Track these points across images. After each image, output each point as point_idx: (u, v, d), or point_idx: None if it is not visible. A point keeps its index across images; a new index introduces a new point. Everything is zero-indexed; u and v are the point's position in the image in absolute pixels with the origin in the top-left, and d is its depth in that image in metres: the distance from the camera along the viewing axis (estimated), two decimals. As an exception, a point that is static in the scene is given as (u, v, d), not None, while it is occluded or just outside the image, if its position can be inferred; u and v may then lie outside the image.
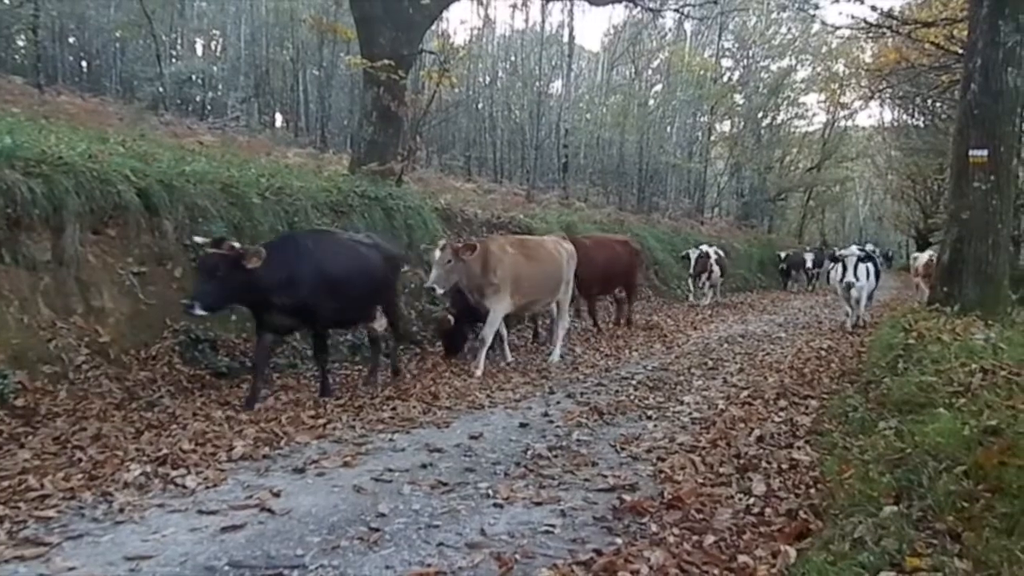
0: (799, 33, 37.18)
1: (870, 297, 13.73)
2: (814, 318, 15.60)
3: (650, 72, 35.50)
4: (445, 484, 4.42)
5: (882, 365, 7.09)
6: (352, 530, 3.70)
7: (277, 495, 4.14)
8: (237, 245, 5.88)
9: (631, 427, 5.96)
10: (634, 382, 7.88)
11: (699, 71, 33.74)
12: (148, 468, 4.42)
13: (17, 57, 22.48)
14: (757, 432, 5.61)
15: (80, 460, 4.54)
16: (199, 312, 5.71)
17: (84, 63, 26.35)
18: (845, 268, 12.08)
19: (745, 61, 38.16)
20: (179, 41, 28.09)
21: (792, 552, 3.29)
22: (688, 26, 33.52)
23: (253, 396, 6.14)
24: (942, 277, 9.64)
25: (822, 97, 40.29)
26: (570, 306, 10.25)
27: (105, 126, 11.53)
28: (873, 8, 16.55)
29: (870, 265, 12.66)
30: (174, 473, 4.39)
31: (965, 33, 10.89)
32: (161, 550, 3.42)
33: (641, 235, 19.41)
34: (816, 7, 38.74)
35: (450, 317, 8.56)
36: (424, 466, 4.76)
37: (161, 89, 21.48)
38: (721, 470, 4.71)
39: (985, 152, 8.97)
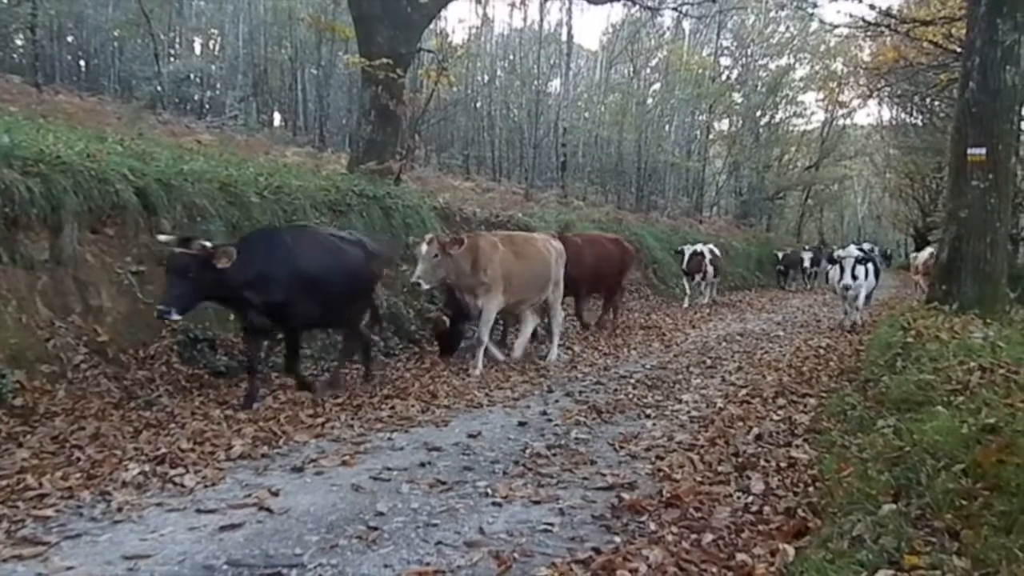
0: (797, 32, 37.18)
1: (868, 297, 13.71)
2: (812, 317, 15.61)
3: (648, 71, 35.48)
4: (444, 483, 4.42)
5: (880, 363, 7.09)
6: (351, 529, 3.70)
7: (275, 494, 4.14)
8: (207, 244, 5.70)
9: (630, 426, 5.96)
10: (633, 381, 7.88)
11: (697, 70, 33.71)
12: (146, 467, 4.43)
13: (15, 56, 22.44)
14: (756, 430, 5.62)
15: (78, 459, 4.54)
16: (175, 317, 5.57)
17: (82, 62, 26.30)
18: (843, 269, 12.03)
19: (743, 60, 38.15)
20: (177, 40, 28.04)
21: (790, 550, 3.29)
22: (686, 25, 33.51)
23: (250, 395, 6.13)
24: (940, 275, 9.64)
25: (820, 96, 40.43)
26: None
27: (103, 125, 11.51)
28: (871, 6, 16.60)
29: (869, 265, 12.62)
30: (172, 472, 4.40)
31: (963, 31, 10.89)
32: (159, 549, 3.42)
33: (640, 234, 19.43)
34: (814, 5, 38.87)
35: (444, 318, 8.48)
36: (423, 465, 4.77)
37: (159, 88, 21.44)
38: (720, 468, 4.72)
39: (983, 150, 8.97)
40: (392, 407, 6.32)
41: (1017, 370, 5.21)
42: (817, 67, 38.86)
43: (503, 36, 33.54)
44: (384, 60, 11.33)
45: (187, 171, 7.79)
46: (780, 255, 25.56)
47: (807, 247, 29.43)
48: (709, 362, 9.24)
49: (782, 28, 37.60)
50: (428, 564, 3.34)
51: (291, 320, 6.32)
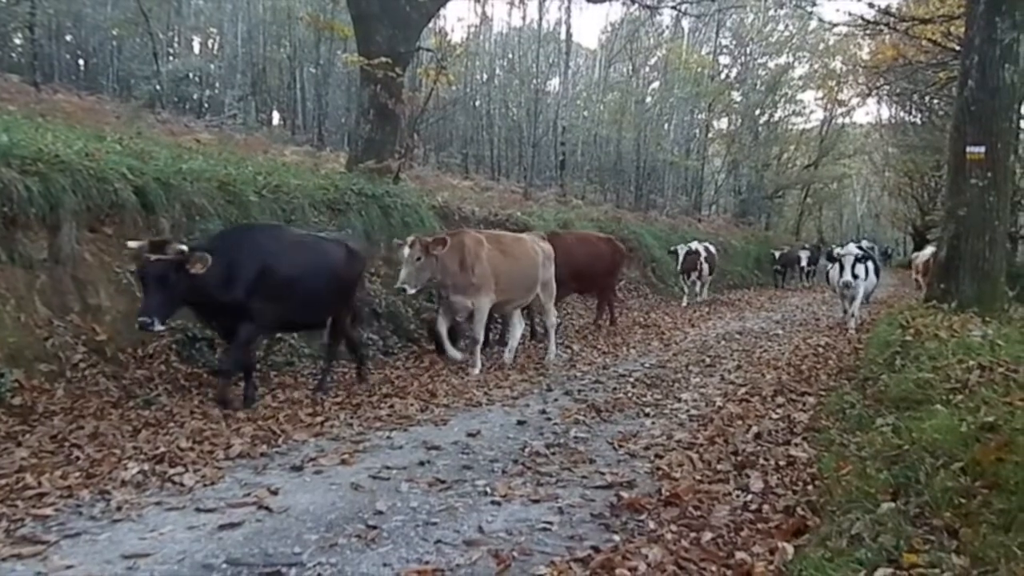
0: (796, 30, 37.14)
1: (867, 296, 13.62)
2: (811, 315, 15.61)
3: (647, 69, 35.44)
4: (443, 482, 4.42)
5: (879, 362, 7.09)
6: (350, 528, 3.70)
7: (275, 493, 4.14)
8: (183, 248, 5.52)
9: (629, 424, 5.96)
10: (632, 379, 7.88)
11: (696, 68, 33.71)
12: (146, 466, 4.42)
13: (14, 55, 22.40)
14: (755, 429, 5.63)
15: (77, 458, 4.54)
16: (159, 328, 5.37)
17: (81, 61, 26.27)
18: (843, 267, 11.89)
19: (742, 58, 38.12)
20: (176, 39, 28.00)
21: (789, 549, 3.30)
22: (685, 23, 33.49)
23: (249, 395, 6.10)
24: (939, 274, 9.65)
25: (819, 94, 40.43)
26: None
27: (102, 124, 11.50)
28: (870, 5, 16.64)
29: (868, 263, 12.54)
30: (171, 471, 4.39)
31: (962, 30, 10.89)
32: (159, 548, 3.42)
33: (639, 232, 19.43)
34: (813, 4, 38.94)
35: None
36: (422, 464, 4.77)
37: (158, 87, 21.42)
38: (719, 467, 4.73)
39: (982, 149, 8.98)
40: (391, 406, 6.32)
41: (1016, 368, 5.22)
42: (816, 66, 38.85)
43: (502, 35, 33.53)
44: (383, 59, 11.32)
45: (186, 170, 7.78)
46: (777, 254, 25.39)
47: (806, 246, 29.41)
48: (708, 361, 9.25)
49: (781, 27, 37.59)
50: (427, 563, 3.34)
51: (255, 321, 5.97)
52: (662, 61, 34.11)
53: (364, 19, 12.16)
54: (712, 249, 18.05)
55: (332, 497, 4.13)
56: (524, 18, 35.08)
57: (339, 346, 7.30)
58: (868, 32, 21.68)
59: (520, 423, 5.94)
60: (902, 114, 38.39)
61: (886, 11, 17.52)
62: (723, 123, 40.61)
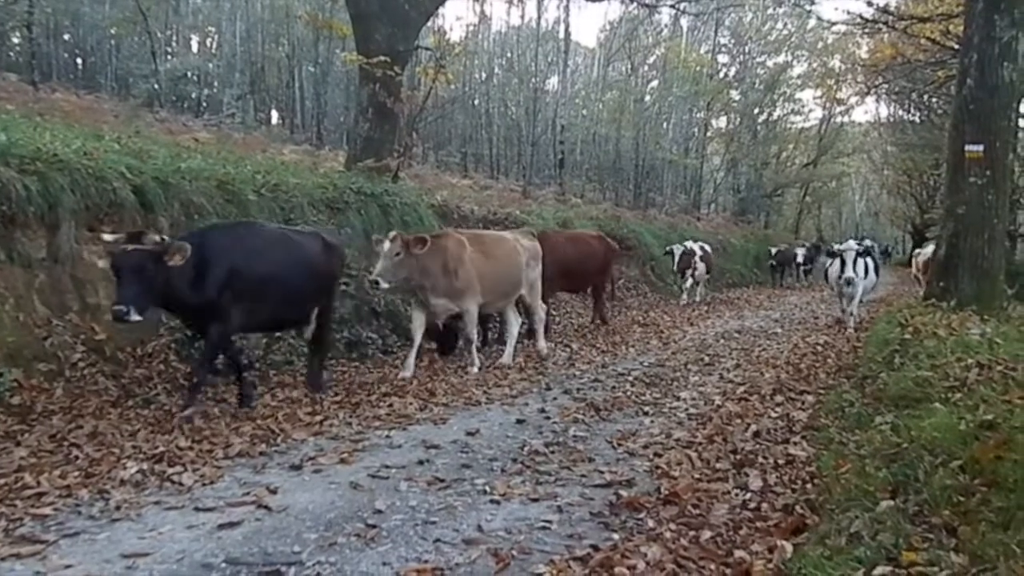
0: (795, 29, 37.13)
1: (863, 296, 13.52)
2: (810, 314, 15.62)
3: (646, 68, 35.41)
4: (442, 480, 4.42)
5: (878, 360, 7.10)
6: (349, 527, 3.70)
7: (274, 492, 4.14)
8: (163, 238, 5.35)
9: (628, 423, 5.96)
10: (631, 378, 7.88)
11: (695, 67, 33.74)
12: (144, 465, 4.42)
13: (12, 54, 22.34)
14: (753, 428, 5.63)
15: (76, 458, 4.53)
16: (135, 318, 5.08)
17: (79, 60, 26.21)
18: (844, 263, 11.74)
19: (741, 57, 38.13)
20: (174, 38, 27.93)
21: (788, 547, 3.30)
22: (684, 22, 33.51)
23: (247, 395, 6.04)
24: (938, 272, 9.66)
25: (818, 93, 40.39)
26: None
27: (100, 123, 11.49)
28: (869, 3, 16.63)
29: (868, 260, 12.45)
30: (171, 471, 4.39)
31: (961, 28, 10.90)
32: (158, 547, 3.42)
33: (638, 231, 19.44)
34: (812, 3, 39.04)
35: (438, 320, 8.22)
36: (421, 462, 4.77)
37: (156, 86, 21.39)
38: (718, 466, 4.73)
39: (981, 147, 8.99)
40: (390, 405, 6.32)
41: (1015, 366, 5.23)
42: (815, 64, 38.84)
43: (501, 33, 33.48)
44: (382, 58, 11.31)
45: (184, 169, 7.78)
46: (773, 251, 25.33)
47: (806, 244, 29.41)
48: (707, 359, 9.25)
49: (780, 25, 37.60)
50: (426, 562, 3.34)
51: (227, 323, 5.76)
52: (661, 60, 34.12)
53: (363, 18, 12.16)
54: (708, 248, 17.98)
55: (331, 496, 4.13)
56: (523, 17, 35.04)
57: (329, 342, 7.21)
58: (867, 30, 21.67)
59: (519, 422, 5.94)
60: (901, 112, 38.42)
61: (885, 9, 17.52)
62: (722, 122, 40.69)
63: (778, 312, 16.08)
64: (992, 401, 4.35)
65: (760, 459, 4.81)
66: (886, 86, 27.93)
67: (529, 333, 10.71)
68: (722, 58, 38.30)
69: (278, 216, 8.44)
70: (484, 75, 31.27)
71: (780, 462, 4.75)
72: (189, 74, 25.34)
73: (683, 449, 5.10)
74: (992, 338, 6.32)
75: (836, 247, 12.79)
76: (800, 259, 25.39)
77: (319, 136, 24.26)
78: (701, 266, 17.05)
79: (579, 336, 11.13)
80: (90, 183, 6.56)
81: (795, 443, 5.21)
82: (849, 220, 65.83)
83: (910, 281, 19.79)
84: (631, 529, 3.74)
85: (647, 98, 33.91)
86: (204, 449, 4.85)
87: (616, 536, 3.63)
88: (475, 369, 7.92)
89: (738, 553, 3.36)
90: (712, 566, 3.27)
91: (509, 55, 32.09)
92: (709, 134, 38.43)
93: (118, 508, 3.83)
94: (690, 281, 17.03)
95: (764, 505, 3.99)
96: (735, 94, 37.91)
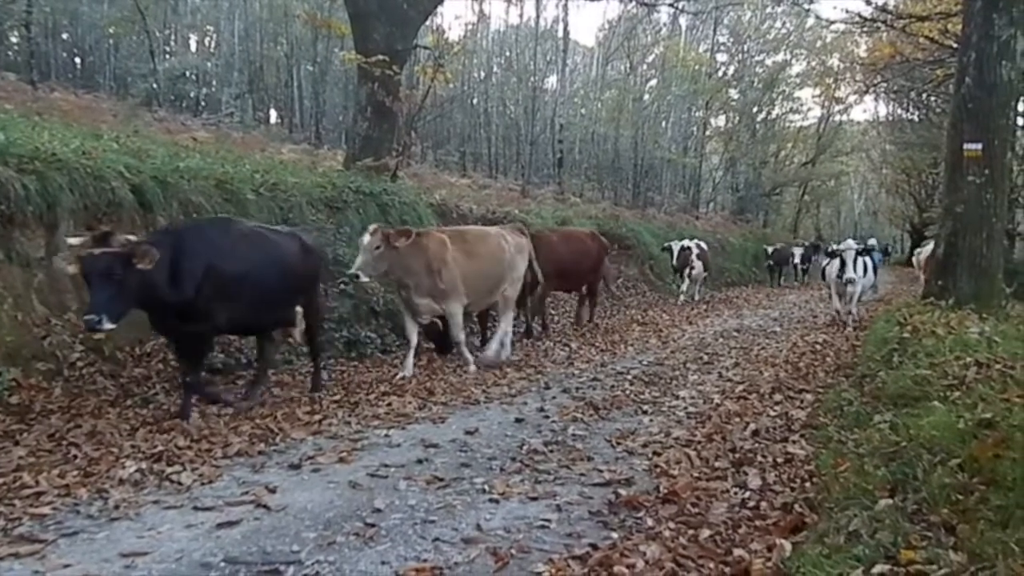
0: (794, 28, 37.18)
1: (863, 295, 13.47)
2: (809, 313, 15.62)
3: (645, 67, 35.39)
4: (441, 479, 4.42)
5: (877, 359, 7.10)
6: (348, 526, 3.70)
7: (273, 491, 4.14)
8: (131, 238, 5.11)
9: (627, 422, 5.96)
10: (630, 377, 7.88)
11: (694, 66, 33.74)
12: (143, 465, 4.42)
13: (10, 53, 22.29)
14: (752, 426, 5.63)
15: (75, 457, 4.54)
16: (108, 326, 4.85)
17: (77, 59, 26.18)
18: (844, 263, 11.67)
19: (740, 56, 38.16)
20: (172, 37, 27.89)
21: (787, 545, 3.30)
22: (683, 21, 33.56)
23: (184, 408, 5.53)
24: (936, 271, 9.67)
25: (817, 92, 40.45)
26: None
27: (99, 122, 11.48)
28: (868, 2, 16.63)
29: (867, 260, 12.40)
30: (169, 470, 4.39)
31: (959, 27, 10.90)
32: (156, 547, 3.42)
33: (636, 230, 19.45)
34: (811, 1, 38.95)
35: (436, 320, 8.17)
36: (420, 461, 4.77)
37: (155, 85, 21.36)
38: (716, 464, 4.73)
39: (979, 146, 8.99)
40: (389, 404, 6.31)
41: (1013, 365, 5.24)
42: (813, 63, 38.85)
43: (499, 32, 33.46)
44: (380, 57, 11.31)
45: (183, 168, 7.78)
46: (770, 250, 25.22)
47: (805, 243, 29.41)
48: (706, 358, 9.25)
49: (778, 24, 37.63)
50: (425, 561, 3.34)
51: (208, 324, 5.60)
52: (659, 59, 34.12)
53: (361, 17, 12.15)
54: (704, 246, 17.95)
55: (330, 495, 4.13)
56: (521, 16, 35.02)
57: (323, 342, 7.13)
58: (865, 29, 21.67)
59: (518, 421, 5.93)
60: (899, 111, 38.39)
61: (883, 8, 17.53)
62: (720, 120, 40.72)
63: (777, 311, 16.08)
64: (991, 399, 4.35)
65: (759, 458, 4.81)
66: (885, 85, 27.94)
67: (528, 332, 10.72)
68: (721, 57, 38.38)
69: (277, 215, 8.43)
70: (483, 74, 31.26)
71: (779, 461, 4.75)
72: (187, 73, 25.29)
73: (682, 448, 5.10)
74: (990, 337, 6.33)
75: (835, 247, 12.72)
76: (797, 259, 25.40)
77: (318, 135, 24.24)
78: (698, 264, 17.00)
79: (578, 335, 11.13)
80: (89, 182, 6.57)
81: (794, 442, 5.21)
82: (848, 219, 65.86)
83: (908, 280, 19.80)
84: (630, 528, 3.74)
85: (646, 97, 33.91)
86: (203, 448, 4.85)
87: (615, 535, 3.63)
88: (472, 368, 7.92)
89: (737, 551, 3.36)
90: (711, 565, 3.27)
91: (508, 54, 32.07)
92: (708, 133, 38.45)
93: (117, 507, 3.83)
94: (687, 280, 17.03)
95: (763, 504, 3.99)
96: (734, 93, 37.93)
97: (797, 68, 39.70)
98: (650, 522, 3.78)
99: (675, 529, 3.66)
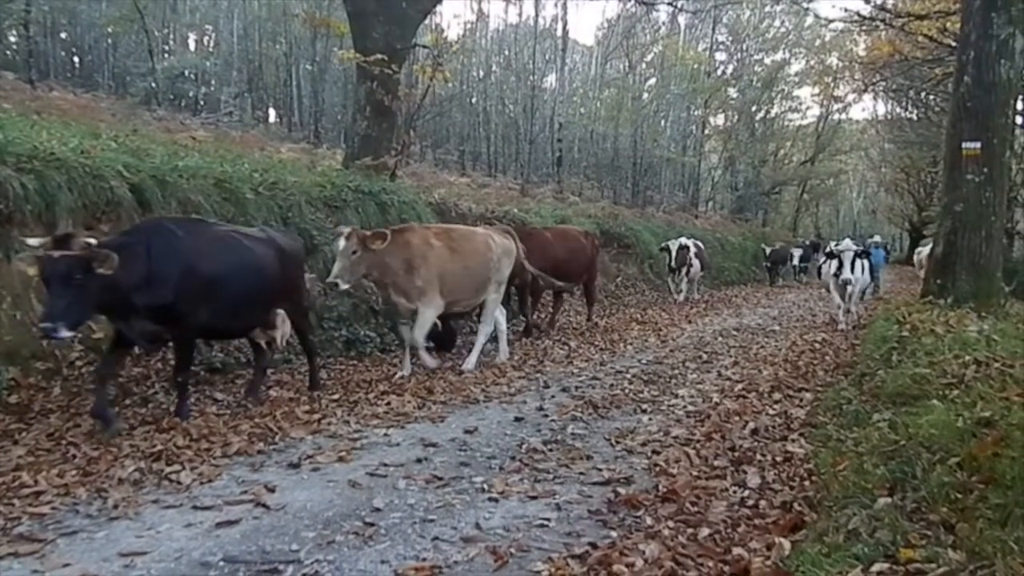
0: (792, 26, 37.23)
1: (863, 294, 13.45)
2: (808, 312, 15.63)
3: (644, 66, 35.42)
4: (440, 478, 4.42)
5: (876, 358, 7.11)
6: (347, 525, 3.70)
7: (272, 490, 4.14)
8: (91, 241, 4.75)
9: (626, 421, 5.97)
10: (629, 376, 7.88)
11: (693, 65, 33.73)
12: (142, 464, 4.42)
13: (9, 52, 22.32)
14: (752, 425, 5.63)
15: (74, 456, 4.53)
16: (64, 335, 4.61)
17: (76, 59, 26.22)
18: (842, 264, 11.59)
19: (739, 55, 38.19)
20: (171, 36, 27.92)
21: (787, 544, 3.30)
22: (682, 20, 33.58)
23: (102, 413, 5.05)
24: (935, 269, 9.67)
25: (816, 90, 40.51)
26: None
27: (97, 122, 11.47)
28: (866, 1, 16.60)
29: (865, 261, 12.34)
30: (168, 469, 4.39)
31: (958, 26, 10.91)
32: (156, 546, 3.42)
33: (636, 229, 19.44)
34: (809, 0, 38.89)
35: (436, 320, 7.96)
36: (419, 460, 4.77)
37: (153, 84, 21.38)
38: (716, 463, 4.73)
39: (978, 144, 9.00)
40: (388, 403, 6.31)
41: (1012, 364, 5.23)
42: (812, 62, 38.92)
43: (498, 31, 33.53)
44: (379, 56, 11.29)
45: (182, 167, 7.77)
46: (768, 250, 25.17)
47: (805, 243, 29.41)
48: (705, 357, 9.26)
49: (777, 23, 37.68)
50: (425, 560, 3.34)
51: (186, 327, 5.38)
52: (658, 57, 34.15)
53: (360, 16, 12.14)
54: (701, 245, 17.94)
55: (329, 494, 4.13)
56: (520, 15, 35.02)
57: (312, 341, 7.03)
58: (864, 28, 21.69)
59: (517, 420, 5.93)
60: (898, 110, 38.40)
61: (882, 7, 17.55)
62: (719, 119, 40.71)
63: (776, 310, 16.08)
64: (989, 398, 4.35)
65: (758, 456, 4.82)
66: (884, 83, 27.97)
67: (526, 331, 10.71)
68: (720, 55, 38.41)
69: (276, 214, 8.43)
70: (482, 73, 31.31)
71: (778, 459, 4.75)
72: (186, 72, 25.32)
73: (681, 447, 5.10)
74: (989, 335, 6.33)
75: (834, 247, 12.65)
76: (795, 259, 25.43)
77: (316, 134, 24.26)
78: (696, 263, 17.02)
79: (577, 334, 11.13)
80: (87, 181, 6.55)
81: (793, 440, 5.22)
82: (847, 218, 65.84)
83: (908, 279, 19.80)
84: (629, 527, 3.74)
85: (645, 96, 33.93)
86: (202, 448, 4.84)
87: (614, 534, 3.63)
88: (470, 367, 7.89)
89: (736, 550, 3.36)
90: (710, 563, 3.27)
91: (507, 53, 32.10)
92: (707, 132, 38.48)
93: (116, 507, 3.82)
94: (685, 279, 17.03)
95: (762, 502, 3.99)
96: (733, 92, 37.92)
97: (796, 67, 39.84)
98: (649, 521, 3.78)
99: (674, 528, 3.66)
